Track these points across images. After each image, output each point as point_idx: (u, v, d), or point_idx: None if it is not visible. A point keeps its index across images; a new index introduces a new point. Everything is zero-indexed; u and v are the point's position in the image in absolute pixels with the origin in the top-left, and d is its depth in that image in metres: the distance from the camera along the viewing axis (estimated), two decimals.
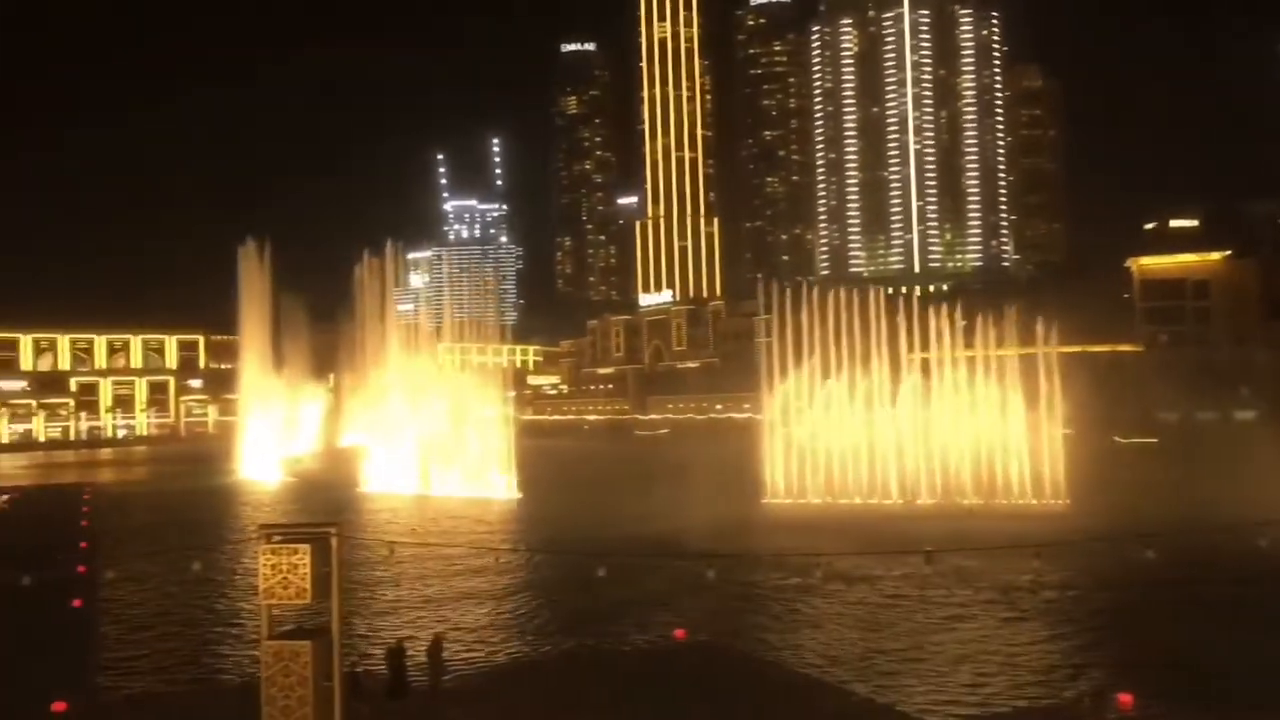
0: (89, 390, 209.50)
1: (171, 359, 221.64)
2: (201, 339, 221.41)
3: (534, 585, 46.39)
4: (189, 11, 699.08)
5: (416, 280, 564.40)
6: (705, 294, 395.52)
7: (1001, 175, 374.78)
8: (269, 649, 24.60)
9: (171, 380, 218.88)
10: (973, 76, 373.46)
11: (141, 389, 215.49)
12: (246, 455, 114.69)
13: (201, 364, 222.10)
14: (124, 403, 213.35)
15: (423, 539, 58.21)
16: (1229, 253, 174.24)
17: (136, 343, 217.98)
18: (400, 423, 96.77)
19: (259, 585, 24.75)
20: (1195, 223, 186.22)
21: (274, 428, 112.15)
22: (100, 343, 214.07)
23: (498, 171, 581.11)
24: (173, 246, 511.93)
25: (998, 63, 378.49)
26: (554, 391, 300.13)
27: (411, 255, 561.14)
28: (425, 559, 51.74)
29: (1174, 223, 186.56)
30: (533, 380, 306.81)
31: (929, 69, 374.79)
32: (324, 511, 72.64)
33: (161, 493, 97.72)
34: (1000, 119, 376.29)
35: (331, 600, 25.98)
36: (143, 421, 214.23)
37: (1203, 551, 48.87)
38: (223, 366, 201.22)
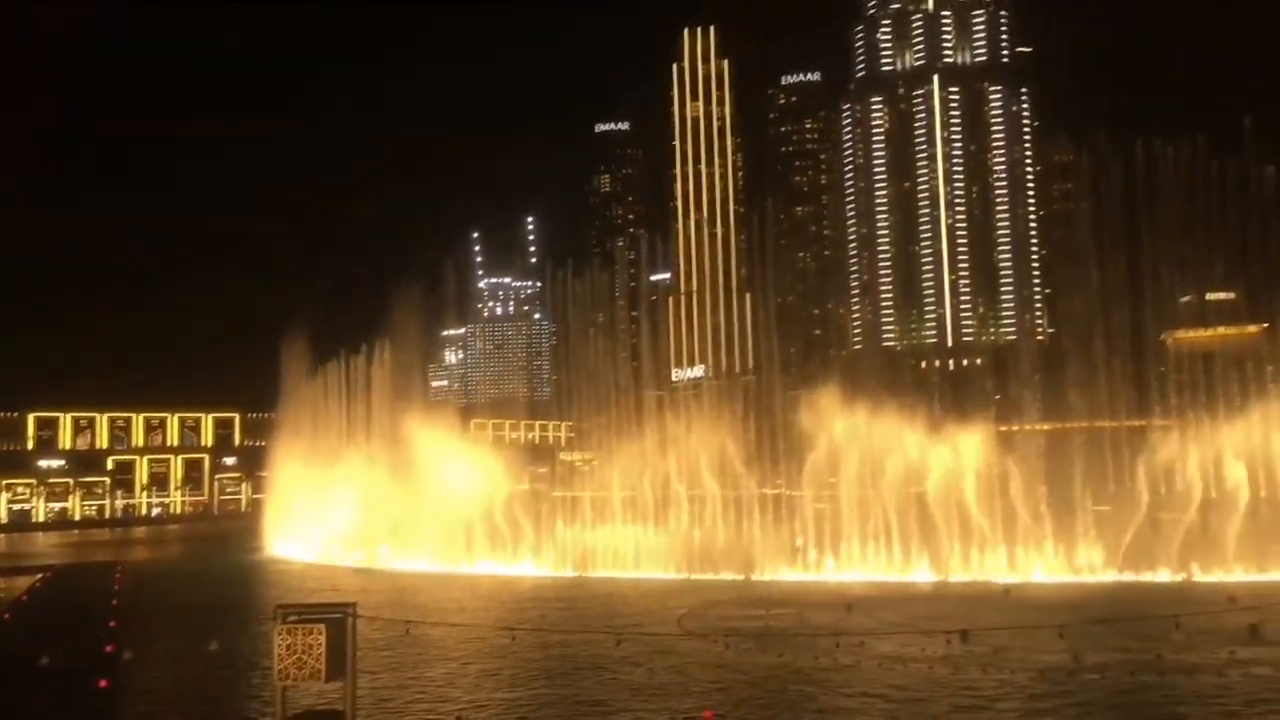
0: (125, 468, 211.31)
1: (208, 437, 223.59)
2: (238, 417, 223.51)
3: (556, 665, 45.70)
4: (223, 97, 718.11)
5: (451, 357, 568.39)
6: (738, 368, 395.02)
7: (1034, 249, 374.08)
8: None
9: (207, 458, 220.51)
10: (1003, 151, 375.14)
11: (177, 467, 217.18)
12: (276, 533, 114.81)
13: (237, 441, 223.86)
14: (159, 480, 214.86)
15: (443, 618, 57.69)
16: (1266, 325, 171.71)
17: (174, 421, 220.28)
18: (430, 500, 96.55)
19: (274, 665, 24.60)
20: (1232, 295, 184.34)
21: (305, 505, 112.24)
22: (138, 421, 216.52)
23: (532, 249, 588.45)
24: (210, 325, 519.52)
25: (1028, 137, 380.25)
26: (586, 467, 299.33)
27: (446, 332, 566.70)
28: (444, 638, 51.18)
29: (1210, 296, 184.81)
30: (565, 456, 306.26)
31: (959, 145, 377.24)
32: (347, 590, 72.31)
33: (191, 571, 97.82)
34: (1031, 193, 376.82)
35: (347, 681, 25.75)
36: (177, 499, 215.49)
37: (1231, 633, 47.44)
38: (258, 444, 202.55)
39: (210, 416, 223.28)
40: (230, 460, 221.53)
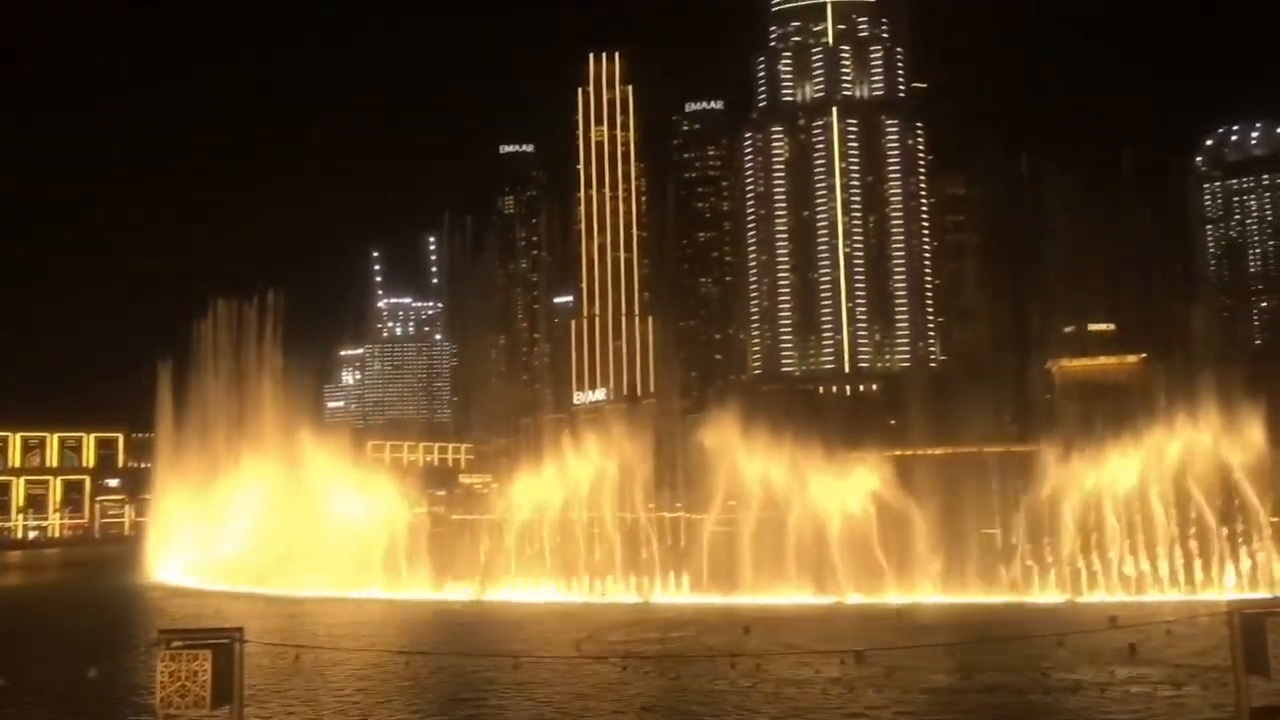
0: (1, 490, 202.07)
1: (89, 457, 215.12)
2: (121, 437, 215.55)
3: (451, 690, 44.97)
4: (122, 113, 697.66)
5: (348, 378, 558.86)
6: (639, 392, 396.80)
7: (928, 278, 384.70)
8: None
9: (88, 479, 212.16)
10: (899, 183, 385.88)
11: (56, 488, 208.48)
12: (161, 557, 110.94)
13: (120, 463, 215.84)
14: (37, 503, 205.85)
15: (335, 643, 56.35)
16: (1144, 355, 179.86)
17: (53, 440, 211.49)
18: (324, 523, 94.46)
19: (156, 694, 23.68)
20: (1111, 326, 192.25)
21: (190, 528, 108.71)
22: (15, 440, 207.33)
23: (434, 270, 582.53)
24: (95, 340, 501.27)
25: (923, 170, 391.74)
26: (486, 490, 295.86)
27: (343, 352, 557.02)
28: (336, 664, 49.94)
29: (1091, 326, 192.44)
30: (465, 479, 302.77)
31: (857, 175, 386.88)
32: (234, 616, 70.17)
33: (70, 597, 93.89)
34: (926, 224, 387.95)
35: (233, 709, 24.89)
36: (56, 522, 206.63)
37: (1112, 652, 49.12)
38: (143, 465, 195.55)
39: (92, 436, 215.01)
40: (113, 482, 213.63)
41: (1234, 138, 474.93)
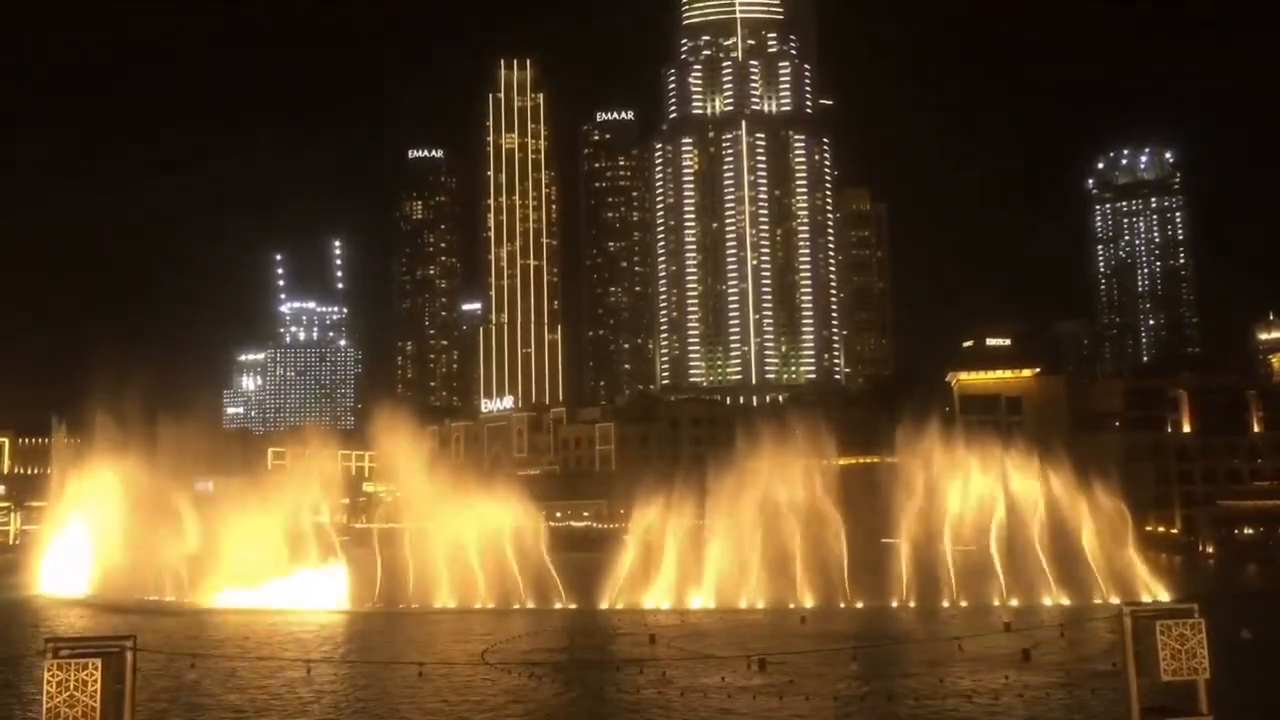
0: None
1: None
2: (7, 442, 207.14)
3: (350, 700, 44.17)
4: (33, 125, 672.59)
5: (248, 383, 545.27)
6: (547, 401, 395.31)
7: (834, 292, 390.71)
8: None
9: None
10: (805, 197, 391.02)
11: None
12: (49, 567, 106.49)
13: (6, 468, 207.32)
14: None
15: (232, 652, 54.95)
16: (1039, 370, 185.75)
17: None
18: (221, 531, 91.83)
19: (43, 705, 22.82)
20: (1008, 341, 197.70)
21: (83, 537, 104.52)
22: None
23: (339, 274, 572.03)
24: None
25: (829, 185, 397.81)
26: (389, 498, 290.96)
27: (243, 357, 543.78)
28: (233, 673, 48.67)
29: (989, 341, 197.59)
30: (368, 487, 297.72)
31: (765, 189, 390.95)
32: (128, 625, 67.87)
33: None
34: (831, 238, 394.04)
35: None
36: None
37: (1006, 658, 50.48)
38: (31, 471, 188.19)
39: None
40: None
41: (1124, 161, 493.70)
